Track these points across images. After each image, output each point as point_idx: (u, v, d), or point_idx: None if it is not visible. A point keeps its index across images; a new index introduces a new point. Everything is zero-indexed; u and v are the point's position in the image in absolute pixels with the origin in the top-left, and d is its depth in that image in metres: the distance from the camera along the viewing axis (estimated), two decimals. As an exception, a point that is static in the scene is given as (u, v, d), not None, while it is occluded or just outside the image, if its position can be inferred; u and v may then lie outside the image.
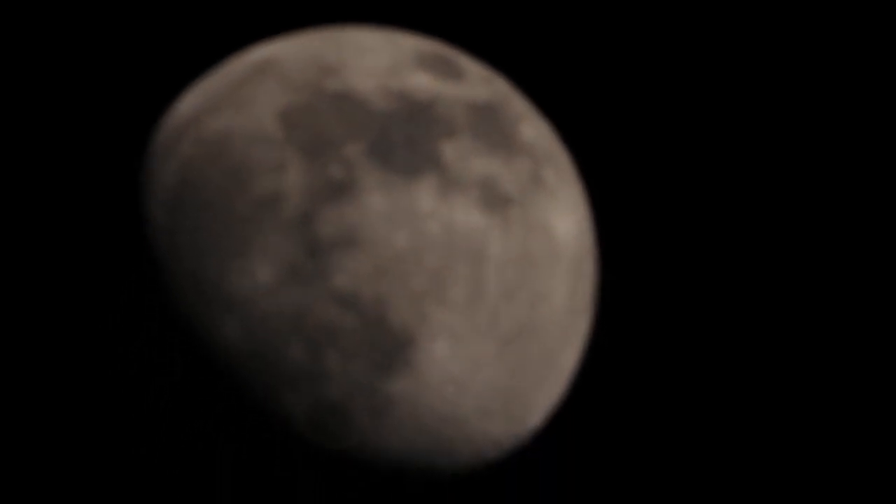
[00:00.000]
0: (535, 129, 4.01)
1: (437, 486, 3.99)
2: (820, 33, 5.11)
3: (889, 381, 4.82)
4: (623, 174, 4.98)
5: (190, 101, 4.00)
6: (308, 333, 3.61)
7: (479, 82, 3.97)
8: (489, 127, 3.86)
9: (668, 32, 5.12)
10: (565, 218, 3.95)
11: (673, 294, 4.92)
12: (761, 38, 5.12)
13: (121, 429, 4.16)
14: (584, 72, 5.05)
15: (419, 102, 3.80)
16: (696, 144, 5.06)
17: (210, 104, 3.90)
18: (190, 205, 3.72)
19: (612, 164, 4.95)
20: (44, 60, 4.85)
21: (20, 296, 4.48)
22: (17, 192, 4.65)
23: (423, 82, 3.86)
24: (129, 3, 4.94)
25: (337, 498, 3.91)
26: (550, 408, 4.10)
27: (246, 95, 3.85)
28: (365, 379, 3.64)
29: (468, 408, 3.77)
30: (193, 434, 3.82)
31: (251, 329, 3.62)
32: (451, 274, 3.67)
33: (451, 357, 3.69)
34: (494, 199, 3.77)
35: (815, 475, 4.75)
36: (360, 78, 3.82)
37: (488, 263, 3.72)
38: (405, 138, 3.73)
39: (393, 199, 3.65)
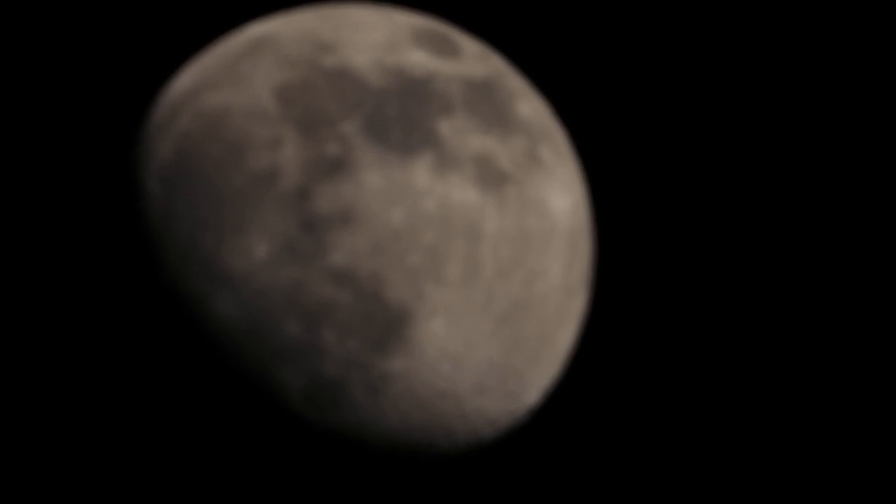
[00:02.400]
0: (531, 107, 4.01)
1: (433, 463, 4.00)
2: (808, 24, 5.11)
3: (885, 376, 4.83)
4: (619, 151, 4.98)
5: (187, 77, 4.00)
6: (304, 310, 3.61)
7: (476, 59, 3.97)
8: (485, 104, 3.86)
9: (664, 11, 5.11)
10: (561, 195, 3.95)
11: (669, 272, 4.92)
12: (756, 19, 5.11)
13: (114, 404, 4.17)
14: (579, 49, 5.04)
15: (415, 79, 3.80)
16: (692, 122, 5.06)
17: (207, 80, 3.90)
18: (186, 180, 3.72)
19: (608, 141, 4.95)
20: (42, 36, 4.85)
21: (16, 268, 4.49)
22: (13, 166, 4.65)
23: (419, 59, 3.85)
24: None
25: (332, 474, 3.92)
26: (547, 386, 4.10)
27: (243, 71, 3.84)
28: (361, 355, 3.65)
29: (464, 384, 3.78)
30: (188, 410, 3.83)
31: (247, 305, 3.62)
32: (447, 251, 3.67)
33: (447, 334, 3.69)
34: (491, 177, 3.77)
35: (806, 445, 4.77)
36: (357, 55, 3.82)
37: (484, 241, 3.72)
38: (401, 115, 3.73)
39: (389, 175, 3.65)
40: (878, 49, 5.07)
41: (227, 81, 3.84)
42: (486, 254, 3.72)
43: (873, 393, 4.80)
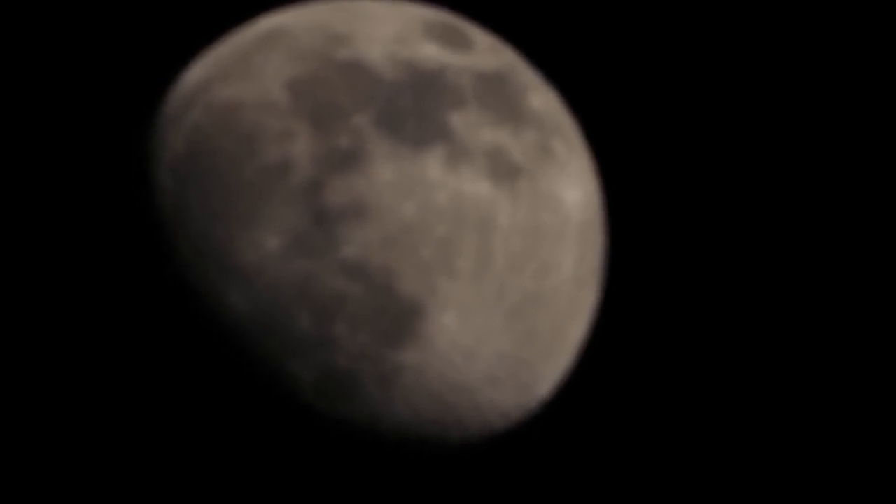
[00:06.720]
0: (543, 99, 4.01)
1: (445, 455, 4.01)
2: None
3: (889, 380, 4.82)
4: (632, 144, 4.97)
5: (199, 70, 4.00)
6: (316, 303, 3.62)
7: (488, 52, 3.97)
8: (497, 97, 3.85)
9: (676, 4, 5.10)
10: (573, 188, 3.94)
11: (680, 265, 4.91)
12: (766, 14, 5.10)
13: (125, 397, 4.18)
14: (591, 41, 5.03)
15: (428, 72, 3.80)
16: (703, 115, 5.05)
17: (219, 73, 3.90)
18: (198, 173, 3.73)
19: (620, 133, 4.94)
20: (53, 28, 4.85)
21: (28, 262, 4.51)
22: (24, 158, 4.66)
23: (431, 52, 3.85)
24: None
25: (344, 466, 3.93)
26: (559, 379, 4.11)
27: (255, 64, 3.85)
28: (373, 348, 3.65)
29: (476, 377, 3.78)
30: (200, 403, 3.84)
31: (259, 298, 3.63)
32: (459, 244, 3.67)
33: (459, 327, 3.70)
34: (503, 170, 3.77)
35: (814, 430, 4.77)
36: (369, 47, 3.82)
37: (496, 234, 3.72)
38: (414, 108, 3.73)
39: (401, 168, 3.66)
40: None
41: (239, 74, 3.84)
42: (497, 247, 3.72)
43: (883, 396, 4.80)
